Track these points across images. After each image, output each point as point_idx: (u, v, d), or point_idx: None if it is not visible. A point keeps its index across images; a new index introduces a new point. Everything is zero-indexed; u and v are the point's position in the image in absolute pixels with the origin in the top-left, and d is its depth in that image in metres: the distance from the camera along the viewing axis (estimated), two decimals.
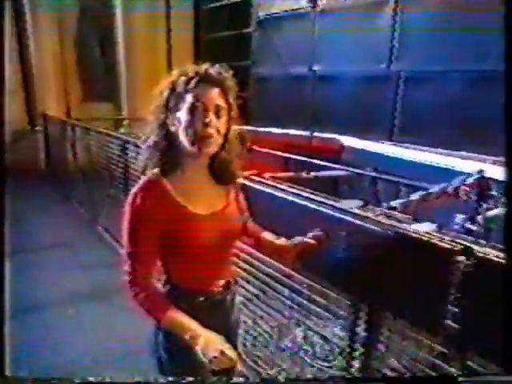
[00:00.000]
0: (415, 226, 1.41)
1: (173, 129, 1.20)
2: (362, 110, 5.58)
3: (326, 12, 6.02)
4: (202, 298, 1.35)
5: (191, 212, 1.25)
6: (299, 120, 6.21)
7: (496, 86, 4.56)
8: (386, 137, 5.43)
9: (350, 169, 4.98)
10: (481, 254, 1.17)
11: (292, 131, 6.26)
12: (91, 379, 1.18)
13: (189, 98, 1.16)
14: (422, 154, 4.86)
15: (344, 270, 1.59)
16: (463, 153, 4.56)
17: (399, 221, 1.48)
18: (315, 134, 6.04)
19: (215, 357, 1.14)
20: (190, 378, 1.26)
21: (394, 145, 5.28)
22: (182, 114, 1.17)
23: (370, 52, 5.46)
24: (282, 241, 1.43)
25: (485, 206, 2.71)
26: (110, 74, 8.33)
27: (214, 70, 1.20)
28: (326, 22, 5.98)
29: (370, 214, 1.54)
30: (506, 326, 1.08)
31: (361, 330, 1.62)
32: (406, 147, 5.14)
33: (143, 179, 1.26)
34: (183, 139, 1.19)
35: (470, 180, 2.87)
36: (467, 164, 4.21)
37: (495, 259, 1.14)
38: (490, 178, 2.96)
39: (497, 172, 3.31)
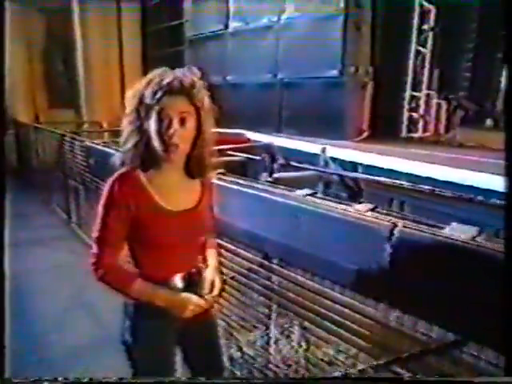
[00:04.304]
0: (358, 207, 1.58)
1: (145, 130, 1.25)
2: (259, 110, 7.09)
3: (235, 34, 7.58)
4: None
5: (163, 207, 1.30)
6: (218, 120, 7.70)
7: (338, 89, 6.23)
8: (276, 130, 6.95)
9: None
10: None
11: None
12: (90, 379, 1.24)
13: (155, 109, 1.21)
14: (297, 142, 6.37)
15: None
16: (321, 139, 6.09)
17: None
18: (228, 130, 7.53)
19: (187, 310, 1.33)
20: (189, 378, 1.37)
21: (281, 136, 6.78)
22: (151, 124, 1.23)
23: (263, 65, 7.01)
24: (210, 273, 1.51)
25: (275, 166, 4.19)
26: (71, 85, 9.80)
27: (178, 80, 1.23)
28: (234, 42, 7.55)
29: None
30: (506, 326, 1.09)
31: None
32: (289, 137, 6.65)
33: (121, 170, 1.31)
34: (155, 144, 1.25)
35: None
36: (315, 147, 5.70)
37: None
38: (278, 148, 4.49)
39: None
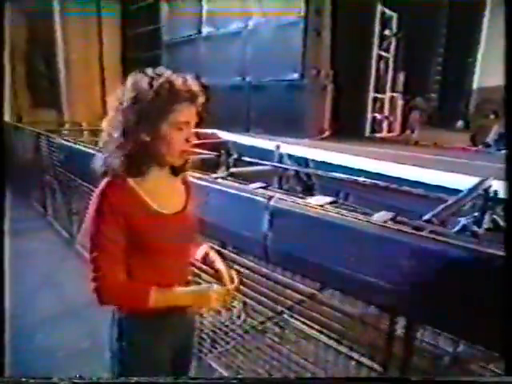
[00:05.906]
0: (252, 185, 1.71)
1: (144, 137, 1.17)
2: (230, 110, 7.49)
3: (207, 39, 8.01)
4: None
5: (157, 211, 1.25)
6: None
7: (300, 91, 6.67)
8: (245, 129, 7.37)
9: None
10: None
11: None
12: (88, 379, 1.23)
13: (176, 116, 1.16)
14: (256, 140, 6.70)
15: None
16: (285, 138, 6.51)
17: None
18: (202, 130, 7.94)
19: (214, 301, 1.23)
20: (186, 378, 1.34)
21: (250, 135, 7.19)
22: (166, 130, 1.17)
23: (233, 68, 7.44)
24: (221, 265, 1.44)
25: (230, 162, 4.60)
26: (53, 86, 10.14)
27: (196, 87, 1.18)
28: (207, 46, 7.97)
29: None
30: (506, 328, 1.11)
31: None
32: (256, 137, 7.05)
33: (107, 179, 1.21)
34: (163, 152, 1.19)
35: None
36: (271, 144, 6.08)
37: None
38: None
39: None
